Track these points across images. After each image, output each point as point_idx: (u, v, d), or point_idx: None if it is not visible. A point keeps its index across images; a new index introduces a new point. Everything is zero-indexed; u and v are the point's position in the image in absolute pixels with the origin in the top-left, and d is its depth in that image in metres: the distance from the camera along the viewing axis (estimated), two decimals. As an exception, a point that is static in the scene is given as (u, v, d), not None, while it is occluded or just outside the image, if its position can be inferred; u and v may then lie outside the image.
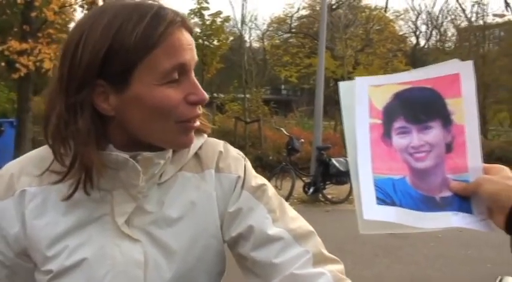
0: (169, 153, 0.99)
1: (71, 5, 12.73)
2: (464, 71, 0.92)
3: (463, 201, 0.89)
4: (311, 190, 9.82)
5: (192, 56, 0.94)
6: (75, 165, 0.91)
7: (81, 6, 14.34)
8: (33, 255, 0.97)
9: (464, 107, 0.91)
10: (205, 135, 1.07)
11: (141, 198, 0.97)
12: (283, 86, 33.68)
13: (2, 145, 11.40)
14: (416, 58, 28.81)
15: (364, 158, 0.91)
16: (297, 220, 1.06)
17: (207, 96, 0.96)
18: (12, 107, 13.29)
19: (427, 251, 6.33)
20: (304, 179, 10.25)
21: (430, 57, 28.61)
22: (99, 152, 0.91)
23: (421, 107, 0.93)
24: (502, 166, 0.91)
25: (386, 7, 25.17)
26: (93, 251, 0.94)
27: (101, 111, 0.92)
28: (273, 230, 1.01)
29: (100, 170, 0.92)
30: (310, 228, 1.06)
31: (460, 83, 0.92)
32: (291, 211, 1.08)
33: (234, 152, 1.11)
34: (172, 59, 0.90)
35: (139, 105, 0.91)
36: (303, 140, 11.01)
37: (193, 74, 0.95)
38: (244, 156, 1.12)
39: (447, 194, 0.90)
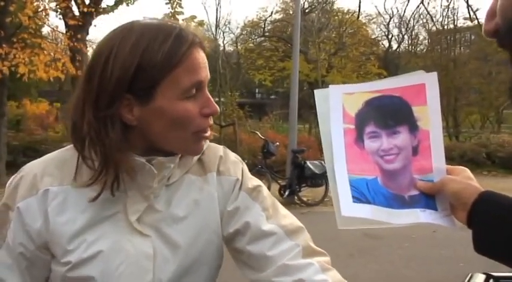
0: (178, 157, 1.10)
1: (45, 9, 12.63)
2: (429, 81, 1.02)
3: (429, 199, 0.99)
4: (287, 193, 9.91)
5: (206, 73, 1.05)
6: (107, 169, 1.01)
7: (55, 11, 14.28)
8: (54, 249, 1.06)
9: (429, 114, 1.01)
10: (208, 141, 1.17)
11: (152, 198, 1.07)
12: (257, 90, 33.74)
13: (-24, 151, 11.22)
14: (389, 61, 29.19)
15: (340, 160, 1.00)
16: (288, 217, 1.18)
17: (218, 108, 1.07)
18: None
19: (401, 251, 6.46)
20: (279, 181, 10.32)
21: (402, 61, 29.01)
22: (128, 158, 1.02)
23: (390, 114, 1.02)
24: (464, 168, 1.03)
25: (359, 13, 25.47)
26: (108, 245, 1.04)
27: (124, 121, 1.02)
28: (267, 226, 1.12)
29: (130, 174, 1.03)
30: (300, 224, 1.17)
31: (426, 92, 1.01)
32: (282, 209, 1.20)
33: (233, 156, 1.22)
34: (191, 76, 1.02)
35: (162, 117, 1.01)
36: (278, 143, 11.08)
37: (207, 89, 1.07)
38: (241, 160, 1.24)
39: (414, 192, 1.00)
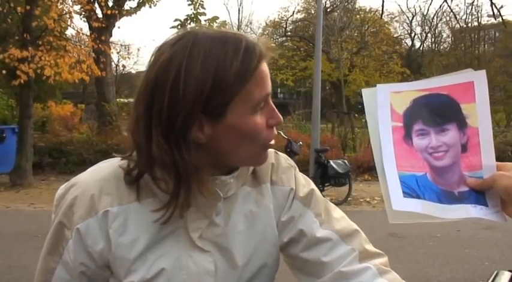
0: (238, 171, 1.08)
1: (69, 12, 12.83)
2: (478, 79, 1.03)
3: (479, 195, 1.00)
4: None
5: (270, 83, 1.02)
6: (180, 190, 0.98)
7: (79, 13, 14.50)
8: (116, 269, 1.04)
9: (478, 111, 1.02)
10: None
11: (214, 215, 1.06)
12: (279, 90, 33.71)
13: (4, 151, 11.46)
14: (412, 60, 28.91)
15: (389, 157, 1.01)
16: (341, 220, 1.16)
17: (282, 118, 1.05)
18: (11, 114, 13.34)
19: (426, 250, 6.40)
20: (303, 181, 10.30)
21: (426, 59, 28.70)
22: (203, 179, 0.99)
23: (438, 111, 1.03)
24: None
25: (382, 11, 25.30)
26: (170, 262, 1.03)
27: (195, 140, 0.98)
28: (320, 232, 1.12)
29: (205, 195, 1.00)
30: (355, 226, 1.16)
31: (474, 89, 1.02)
32: (335, 212, 1.18)
33: (284, 161, 1.20)
34: (261, 90, 0.98)
35: (234, 133, 0.98)
36: (301, 143, 11.07)
37: (271, 99, 1.03)
38: (293, 164, 1.21)
39: (464, 189, 1.00)
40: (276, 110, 1.04)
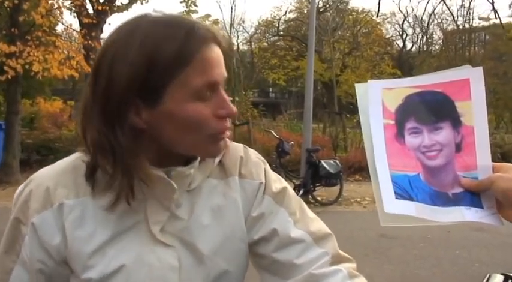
0: (197, 161, 1.04)
1: (59, 7, 12.69)
2: (474, 76, 0.98)
3: (473, 196, 0.95)
4: (301, 192, 9.84)
5: (221, 71, 0.97)
6: (121, 177, 0.94)
7: (69, 9, 14.35)
8: (73, 265, 0.99)
9: (474, 110, 0.98)
10: (228, 143, 1.09)
11: (174, 207, 1.01)
12: (271, 89, 33.73)
13: (-10, 148, 11.29)
14: (403, 61, 29.02)
15: (381, 156, 0.97)
16: (316, 221, 1.13)
17: (235, 109, 0.99)
18: (0, 110, 13.20)
19: (417, 251, 6.38)
20: (294, 181, 10.27)
21: (417, 60, 28.83)
22: (142, 165, 0.95)
23: (431, 109, 0.99)
24: (511, 165, 0.98)
25: (378, 11, 25.32)
26: (131, 258, 0.98)
27: (133, 125, 0.95)
28: (295, 232, 1.08)
29: (146, 183, 0.96)
30: (328, 230, 1.13)
31: (470, 87, 0.98)
32: (310, 212, 1.14)
33: (254, 156, 1.16)
34: (204, 77, 0.93)
35: (172, 120, 0.94)
36: (292, 143, 11.03)
37: (222, 89, 0.98)
38: (263, 159, 1.17)
39: (458, 190, 0.96)
40: (229, 100, 0.98)
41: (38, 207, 0.98)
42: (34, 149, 12.78)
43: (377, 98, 1.00)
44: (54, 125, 15.18)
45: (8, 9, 11.36)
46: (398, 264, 5.89)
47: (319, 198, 9.94)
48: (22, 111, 12.33)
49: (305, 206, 1.15)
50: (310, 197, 9.90)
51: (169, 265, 1.00)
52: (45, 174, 1.02)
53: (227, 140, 1.02)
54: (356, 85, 1.04)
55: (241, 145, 1.16)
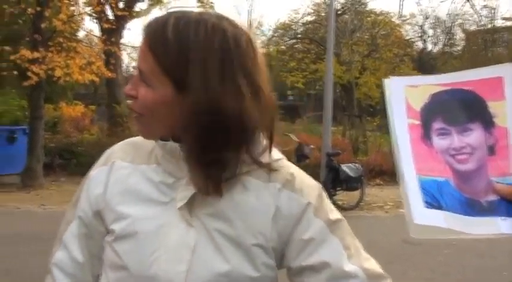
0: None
1: (79, 14, 12.81)
2: (509, 74, 0.92)
3: (509, 205, 0.88)
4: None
5: (139, 61, 1.05)
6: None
7: (90, 15, 14.49)
8: (106, 215, 1.09)
9: (508, 110, 0.91)
10: (283, 156, 1.14)
11: (206, 190, 1.03)
12: (289, 92, 33.62)
13: (15, 152, 11.46)
14: (424, 62, 28.72)
15: (406, 159, 0.92)
16: (370, 260, 1.10)
17: (126, 89, 1.07)
18: (23, 115, 13.34)
19: (442, 258, 6.28)
20: (314, 185, 10.22)
21: (439, 62, 28.50)
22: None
23: (460, 109, 0.93)
24: None
25: (401, 13, 24.97)
26: (151, 227, 1.04)
27: None
28: (349, 267, 1.06)
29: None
30: (382, 271, 1.11)
31: (503, 86, 0.92)
32: (364, 252, 1.12)
33: (310, 179, 1.15)
34: None
35: None
36: (312, 146, 10.98)
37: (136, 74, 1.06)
38: (320, 185, 1.16)
39: (493, 197, 0.89)
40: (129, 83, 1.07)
41: (99, 164, 1.16)
42: (57, 153, 12.90)
43: (400, 96, 0.95)
44: (76, 129, 15.32)
45: (31, 16, 11.49)
46: (423, 272, 5.82)
47: (340, 203, 9.87)
48: (45, 116, 12.46)
49: (360, 244, 1.13)
50: (331, 201, 9.83)
51: (186, 243, 1.03)
52: (119, 143, 1.19)
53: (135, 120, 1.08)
54: (384, 80, 0.99)
55: (295, 166, 1.16)
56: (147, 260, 1.02)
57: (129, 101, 1.06)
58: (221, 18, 1.03)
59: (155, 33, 1.00)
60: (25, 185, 11.30)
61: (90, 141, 13.66)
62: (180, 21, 0.99)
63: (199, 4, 15.99)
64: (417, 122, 0.93)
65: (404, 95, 0.95)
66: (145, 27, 1.03)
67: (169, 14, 1.02)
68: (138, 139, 1.14)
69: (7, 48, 11.09)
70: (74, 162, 12.66)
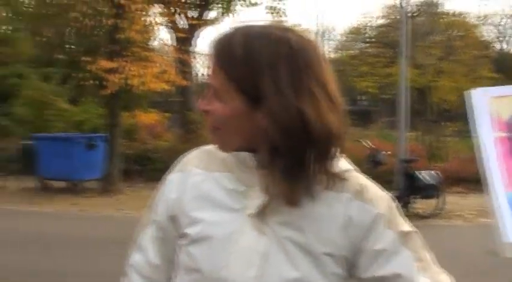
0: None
1: (153, 24, 13.16)
2: None
3: None
4: (398, 205, 9.54)
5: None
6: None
7: (163, 24, 14.88)
8: (181, 219, 1.14)
9: None
10: (352, 167, 1.14)
11: (276, 197, 1.05)
12: (360, 97, 33.18)
13: (95, 159, 11.90)
14: (503, 64, 27.46)
15: (494, 174, 0.88)
16: (442, 274, 1.11)
17: (199, 105, 1.12)
18: (102, 123, 13.87)
19: (527, 270, 5.94)
20: (388, 192, 9.97)
21: (519, 63, 27.20)
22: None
23: None
24: None
25: (485, 16, 24.08)
26: (224, 232, 1.08)
27: None
28: (420, 280, 1.07)
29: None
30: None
31: None
32: (436, 264, 1.12)
33: (379, 189, 1.15)
34: None
35: None
36: (387, 152, 10.70)
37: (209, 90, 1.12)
38: (391, 197, 1.16)
39: None
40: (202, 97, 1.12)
41: (175, 170, 1.21)
42: (134, 159, 13.30)
43: (484, 108, 0.90)
44: (151, 136, 15.75)
45: (108, 27, 11.94)
46: (507, 284, 5.51)
47: (416, 211, 9.55)
48: (122, 124, 12.90)
49: (432, 257, 1.13)
50: (407, 210, 9.56)
51: (256, 250, 1.05)
52: (194, 150, 1.23)
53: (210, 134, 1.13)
54: (467, 92, 0.95)
55: (364, 177, 1.16)
56: (219, 263, 1.06)
57: (203, 116, 1.12)
58: (285, 29, 1.07)
59: (223, 50, 1.06)
60: (104, 190, 11.76)
61: (164, 148, 13.99)
62: (246, 36, 1.05)
63: (268, 11, 16.07)
64: (504, 134, 0.89)
65: (489, 107, 0.91)
66: (213, 45, 1.08)
67: (234, 30, 1.08)
68: (212, 147, 1.17)
69: (87, 59, 11.55)
70: (150, 168, 13.01)
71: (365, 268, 1.08)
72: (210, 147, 1.18)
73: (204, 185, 1.13)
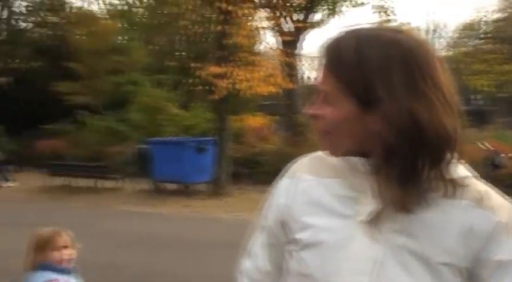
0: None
1: (262, 28, 13.32)
2: None
3: None
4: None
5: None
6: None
7: (268, 28, 15.00)
8: (291, 224, 1.14)
9: None
10: (471, 173, 1.08)
11: (389, 203, 1.02)
12: (473, 96, 31.48)
13: (204, 161, 12.23)
14: None
15: None
16: None
17: (307, 110, 1.11)
18: (211, 127, 14.22)
19: None
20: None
21: None
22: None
23: None
24: None
25: None
26: (335, 238, 1.06)
27: None
28: None
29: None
30: None
31: None
32: None
33: (499, 197, 1.08)
34: None
35: None
36: (507, 154, 10.00)
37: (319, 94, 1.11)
38: None
39: None
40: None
41: (286, 175, 1.21)
42: (242, 163, 13.50)
43: None
44: (258, 139, 15.91)
45: (215, 33, 12.23)
46: None
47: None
48: (230, 127, 13.15)
49: None
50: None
51: (369, 257, 1.02)
52: (304, 156, 1.22)
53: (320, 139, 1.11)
54: None
55: (483, 184, 1.10)
56: (331, 270, 1.04)
57: (312, 121, 1.10)
58: (395, 31, 1.05)
59: (333, 54, 1.05)
60: (214, 192, 12.04)
61: (272, 151, 14.06)
62: (356, 39, 1.03)
63: (375, 10, 15.68)
64: None
65: None
66: (323, 49, 1.07)
67: (344, 33, 1.06)
68: (321, 153, 1.15)
69: (196, 65, 11.90)
70: (258, 171, 13.13)
71: (486, 279, 1.03)
72: (320, 154, 1.17)
73: (314, 190, 1.13)
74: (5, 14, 20.14)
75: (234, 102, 13.34)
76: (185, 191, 12.50)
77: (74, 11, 21.68)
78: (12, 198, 12.76)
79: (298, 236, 1.11)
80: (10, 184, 14.65)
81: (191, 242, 7.66)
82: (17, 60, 17.87)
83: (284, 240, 1.16)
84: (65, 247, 2.81)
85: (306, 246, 1.09)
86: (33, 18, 21.31)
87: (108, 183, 13.38)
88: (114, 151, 15.50)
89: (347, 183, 1.08)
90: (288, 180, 1.19)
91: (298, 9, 16.16)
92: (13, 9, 20.58)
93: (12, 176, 15.12)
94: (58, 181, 14.00)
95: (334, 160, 1.11)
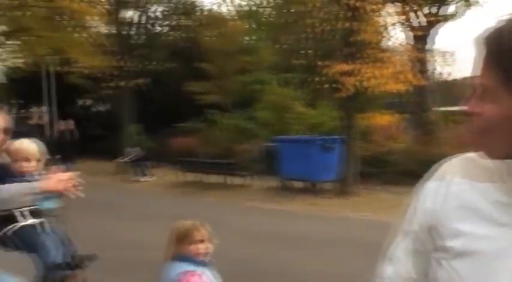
0: None
1: (392, 23, 12.97)
2: None
3: None
4: None
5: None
6: None
7: (397, 24, 14.55)
8: (440, 232, 1.06)
9: None
10: None
11: None
12: None
13: (330, 160, 12.15)
14: None
15: None
16: None
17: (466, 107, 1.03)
18: (338, 125, 14.11)
19: None
20: None
21: None
22: None
23: None
24: None
25: None
26: (491, 248, 0.98)
27: None
28: None
29: None
30: None
31: None
32: None
33: None
34: None
35: None
36: None
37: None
38: None
39: None
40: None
41: (433, 177, 1.13)
42: (370, 162, 13.24)
43: None
44: (385, 138, 15.51)
45: (342, 30, 12.11)
46: None
47: None
48: (358, 126, 12.96)
49: None
50: None
51: None
52: (454, 157, 1.14)
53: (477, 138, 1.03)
54: None
55: None
56: (487, 281, 0.97)
57: (468, 119, 1.02)
58: None
59: (494, 46, 0.96)
60: (341, 191, 11.95)
61: (401, 150, 13.66)
62: None
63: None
64: None
65: None
66: (485, 40, 0.97)
67: (504, 22, 0.97)
68: (474, 155, 1.08)
69: (324, 63, 11.86)
70: (387, 170, 12.80)
71: None
72: (471, 155, 1.10)
73: (468, 195, 1.05)
74: (143, 19, 21.48)
75: (361, 100, 13.10)
76: (312, 190, 12.52)
77: (204, 13, 22.59)
78: (151, 192, 13.72)
79: (449, 243, 1.04)
80: (148, 179, 15.66)
81: (318, 241, 7.66)
82: (154, 63, 18.99)
83: (431, 247, 1.09)
84: (202, 241, 2.92)
85: (459, 255, 1.02)
86: (167, 22, 22.51)
87: (237, 180, 13.78)
88: (242, 149, 15.93)
89: (504, 189, 1.00)
90: (436, 183, 1.12)
91: (429, 2, 15.49)
92: (149, 14, 21.88)
93: (150, 171, 16.10)
94: (190, 177, 14.70)
95: (489, 162, 1.03)
